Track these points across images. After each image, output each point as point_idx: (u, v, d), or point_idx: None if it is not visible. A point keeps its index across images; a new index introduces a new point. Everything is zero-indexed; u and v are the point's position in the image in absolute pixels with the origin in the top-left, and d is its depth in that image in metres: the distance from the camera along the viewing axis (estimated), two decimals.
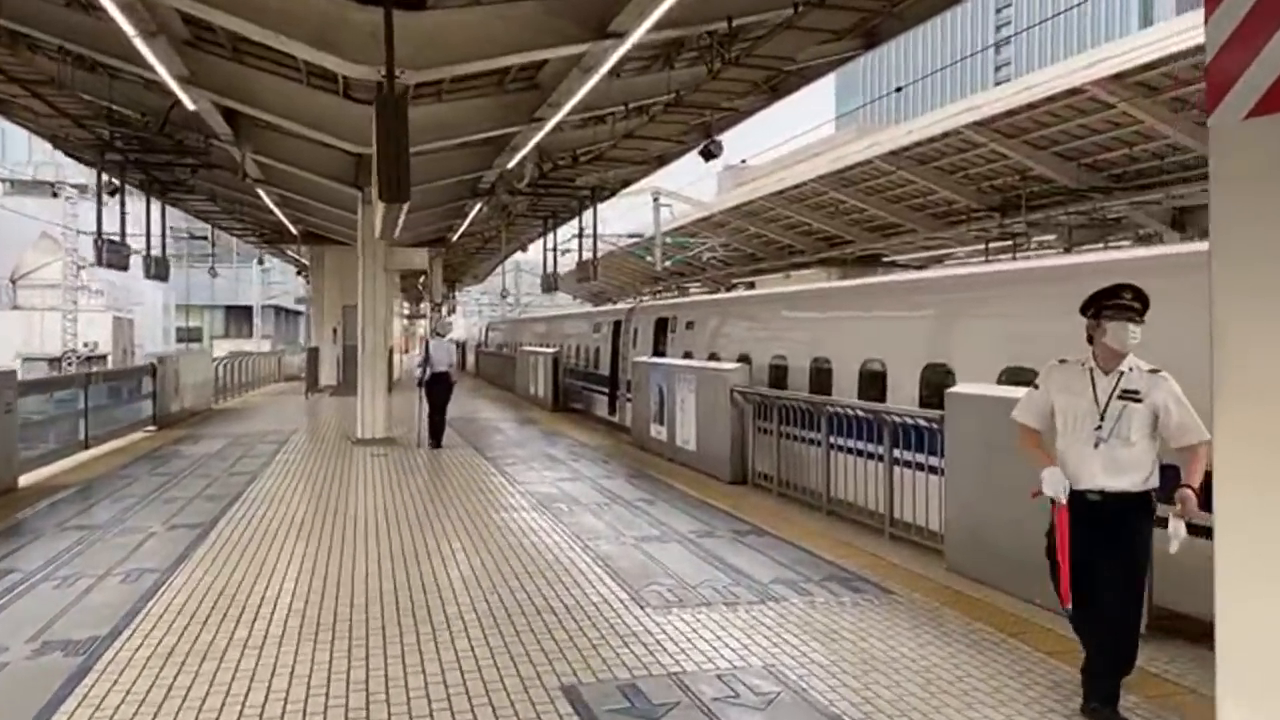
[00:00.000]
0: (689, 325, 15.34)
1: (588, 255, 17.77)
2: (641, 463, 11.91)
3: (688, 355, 15.06)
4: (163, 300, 53.45)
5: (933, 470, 7.17)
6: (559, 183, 16.12)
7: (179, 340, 59.41)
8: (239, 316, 66.78)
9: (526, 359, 23.23)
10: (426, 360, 14.24)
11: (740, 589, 6.03)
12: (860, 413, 8.26)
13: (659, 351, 16.43)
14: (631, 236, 29.83)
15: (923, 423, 7.29)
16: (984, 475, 6.27)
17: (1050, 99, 16.47)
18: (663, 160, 18.91)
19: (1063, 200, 20.14)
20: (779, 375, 11.85)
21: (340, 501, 9.09)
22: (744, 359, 12.81)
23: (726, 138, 14.64)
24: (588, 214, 18.40)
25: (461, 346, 51.28)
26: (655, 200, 29.17)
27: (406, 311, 68.51)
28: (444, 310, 56.70)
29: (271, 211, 19.56)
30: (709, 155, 12.04)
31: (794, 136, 24.02)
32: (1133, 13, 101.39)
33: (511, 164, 12.97)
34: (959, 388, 6.74)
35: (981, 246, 24.32)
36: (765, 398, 9.82)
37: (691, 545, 7.25)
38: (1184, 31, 13.82)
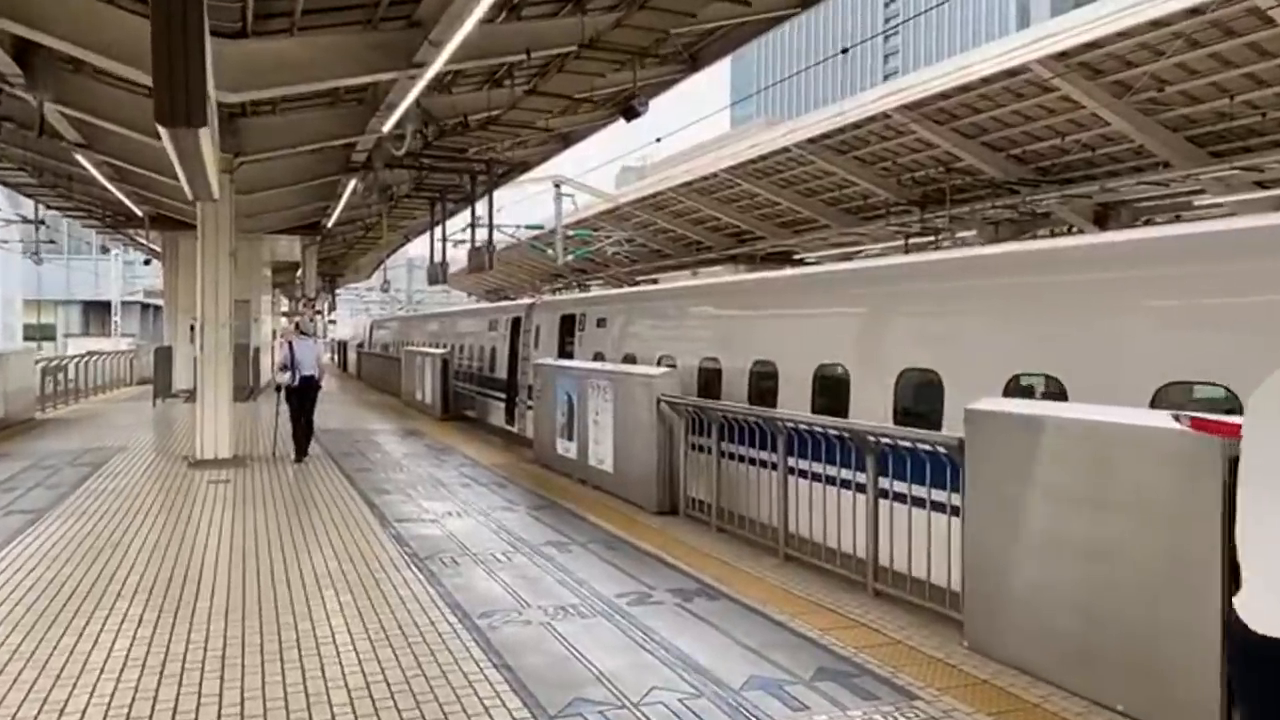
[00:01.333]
0: (600, 323, 13.42)
1: (482, 243, 15.61)
2: (547, 487, 9.91)
3: (598, 357, 13.14)
4: (4, 294, 48.06)
5: (937, 507, 5.47)
6: (447, 154, 13.93)
7: (26, 339, 53.78)
8: (100, 312, 61.27)
9: (413, 361, 20.82)
10: (291, 362, 11.91)
11: (704, 701, 4.14)
12: (832, 431, 6.50)
13: (565, 353, 14.45)
14: (531, 228, 27.68)
15: (924, 448, 5.56)
16: (1023, 523, 4.58)
17: (986, 80, 15.27)
18: (568, 140, 16.93)
19: (988, 194, 19.12)
20: (709, 381, 10.06)
21: (144, 557, 6.76)
22: (665, 362, 10.96)
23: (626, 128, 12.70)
24: (481, 197, 16.26)
25: (343, 346, 47.89)
26: (557, 188, 27.09)
27: (285, 309, 64.31)
28: (320, 306, 53.11)
29: (106, 188, 16.62)
30: (631, 114, 10.12)
31: (689, 125, 22.34)
32: (1010, 15, 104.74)
33: (387, 126, 10.75)
34: (986, 403, 5.02)
35: (898, 243, 23.25)
36: (702, 410, 7.96)
37: (623, 620, 5.30)
38: (1131, 7, 12.75)
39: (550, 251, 27.33)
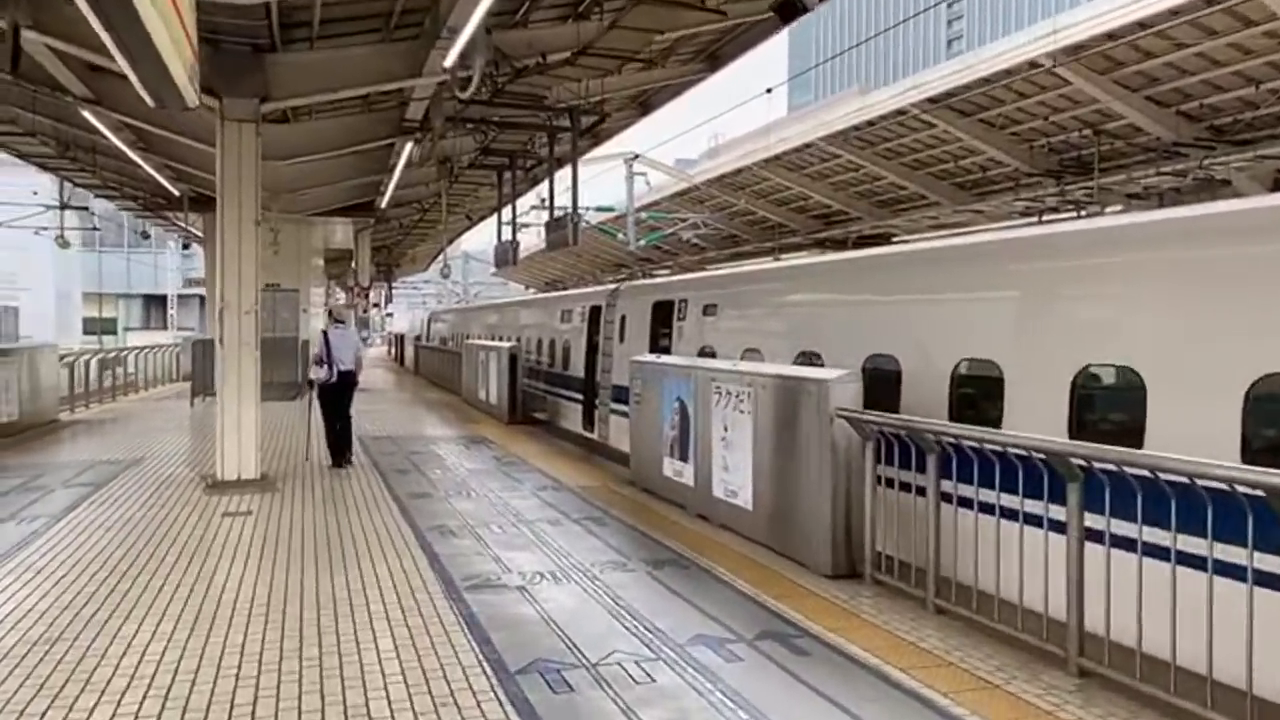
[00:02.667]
0: (709, 310, 10.95)
1: (563, 212, 13.19)
2: (658, 525, 7.49)
3: (705, 353, 10.70)
4: (62, 287, 47.34)
5: None
6: (520, 100, 11.53)
7: (87, 333, 53.22)
8: (160, 306, 60.70)
9: (475, 356, 18.59)
10: (328, 355, 10.51)
11: None
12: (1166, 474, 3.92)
13: (659, 347, 12.04)
14: (601, 210, 25.32)
15: None
16: None
17: (1174, 12, 12.40)
18: (647, 107, 14.51)
19: (1145, 159, 16.19)
20: (874, 388, 7.52)
21: (111, 645, 4.50)
22: (808, 358, 8.44)
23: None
24: (560, 168, 13.89)
25: (399, 340, 46.06)
26: (629, 164, 24.67)
27: (341, 301, 63.03)
28: (375, 298, 51.45)
29: (133, 160, 14.64)
30: (791, 11, 7.59)
31: (742, 103, 19.17)
32: None
33: (450, 59, 8.40)
34: None
35: (1024, 220, 20.32)
36: (914, 431, 5.41)
37: None
38: None
39: (621, 236, 24.97)
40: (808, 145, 21.73)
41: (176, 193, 18.03)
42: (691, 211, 27.47)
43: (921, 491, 5.27)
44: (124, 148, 13.26)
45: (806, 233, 27.25)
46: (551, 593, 5.54)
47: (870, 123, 19.02)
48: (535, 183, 22.18)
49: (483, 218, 28.74)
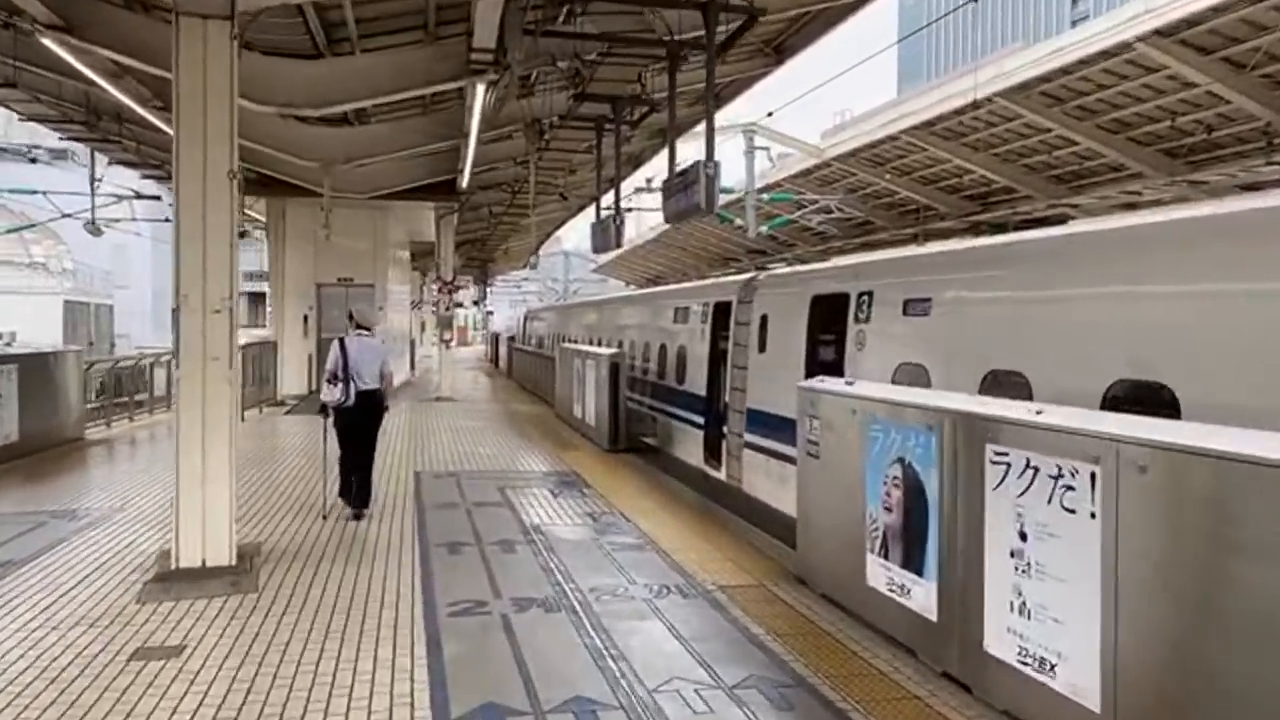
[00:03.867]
0: (915, 307, 7.28)
1: (689, 165, 9.73)
2: (891, 706, 4.00)
3: (906, 375, 7.13)
4: (160, 285, 46.68)
5: None
6: (619, 37, 8.27)
7: None
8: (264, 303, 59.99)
9: (569, 363, 15.36)
10: (344, 370, 7.98)
11: None
12: None
13: (821, 364, 8.50)
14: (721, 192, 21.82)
15: None
16: None
17: None
18: (781, 52, 11.05)
19: None
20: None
21: None
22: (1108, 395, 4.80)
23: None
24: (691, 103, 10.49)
25: (496, 340, 43.11)
26: (749, 136, 21.09)
27: (435, 298, 61.03)
28: (465, 296, 48.65)
29: (152, 123, 11.97)
30: None
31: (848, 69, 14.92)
32: None
33: None
34: None
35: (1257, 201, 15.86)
36: None
37: None
38: None
39: (739, 222, 21.44)
40: (976, 105, 17.75)
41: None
42: (819, 193, 23.67)
43: None
44: (135, 106, 10.51)
45: (959, 215, 23.15)
46: None
47: (1065, 69, 15.00)
48: (638, 163, 18.80)
49: (581, 206, 25.65)
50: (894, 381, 7.25)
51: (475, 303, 61.35)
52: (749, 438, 9.91)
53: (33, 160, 33.72)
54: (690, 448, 12.14)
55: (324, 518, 7.87)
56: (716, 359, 11.53)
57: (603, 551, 6.81)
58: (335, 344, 8.23)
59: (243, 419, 15.39)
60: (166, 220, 27.30)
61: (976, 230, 21.74)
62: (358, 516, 7.91)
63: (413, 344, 29.34)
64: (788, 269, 10.83)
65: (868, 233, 27.39)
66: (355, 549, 6.83)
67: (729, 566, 6.40)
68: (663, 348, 14.11)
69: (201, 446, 5.83)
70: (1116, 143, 16.88)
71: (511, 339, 35.49)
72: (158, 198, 24.21)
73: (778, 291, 9.96)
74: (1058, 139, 17.49)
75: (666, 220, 9.53)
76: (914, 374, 7.11)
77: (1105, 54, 13.96)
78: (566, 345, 16.99)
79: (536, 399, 20.64)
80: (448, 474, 10.13)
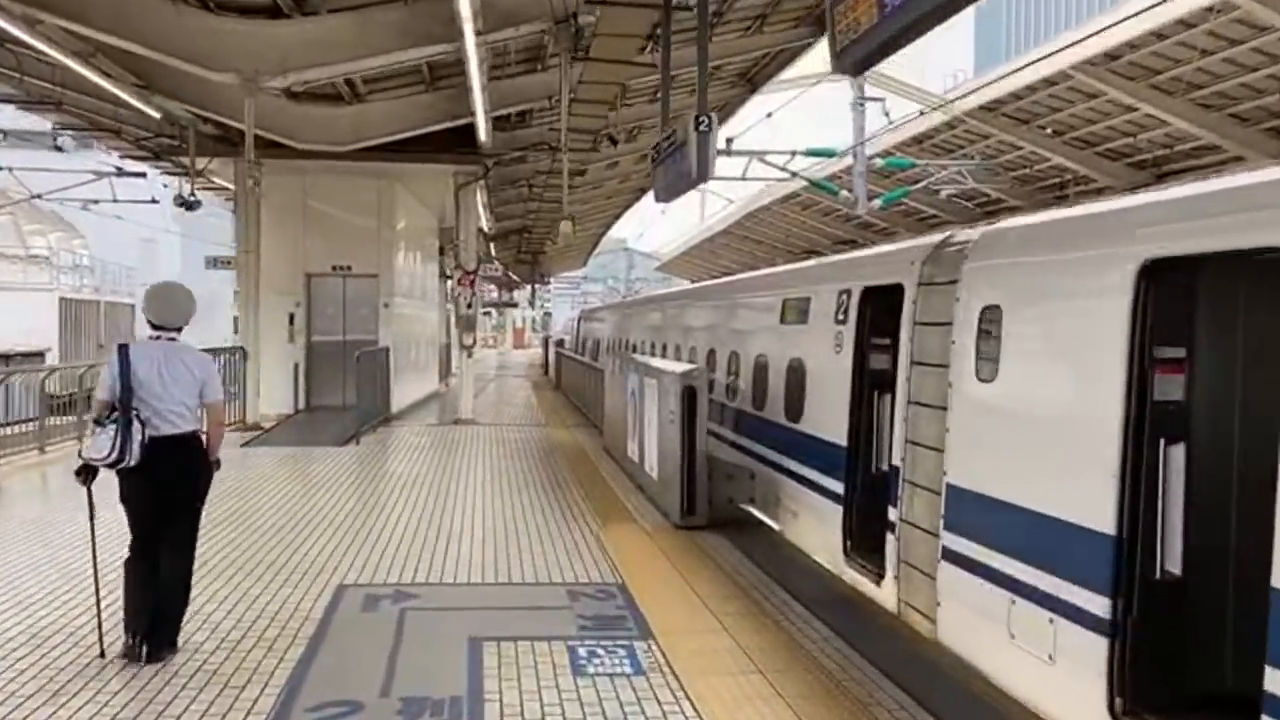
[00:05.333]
0: None
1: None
2: None
3: None
4: (189, 283, 43.57)
5: None
6: None
7: (237, 332, 49.53)
8: None
9: (623, 382, 10.66)
10: (121, 399, 4.34)
11: None
12: None
13: (1165, 408, 3.74)
14: (815, 154, 16.74)
15: None
16: None
17: None
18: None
19: None
20: None
21: None
22: None
23: None
24: None
25: (546, 344, 38.05)
26: (859, 86, 16.23)
27: (492, 294, 57.04)
28: (510, 296, 44.15)
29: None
30: None
31: None
32: None
33: None
34: None
35: None
36: None
37: None
38: None
39: (846, 194, 16.61)
40: (1189, 23, 12.77)
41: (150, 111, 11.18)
42: (944, 159, 18.65)
43: None
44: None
45: (1123, 183, 17.93)
46: None
47: None
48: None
49: (638, 192, 21.04)
50: None
51: (530, 302, 57.33)
52: (954, 542, 5.16)
53: (58, 148, 30.36)
54: (816, 530, 7.40)
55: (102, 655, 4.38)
56: (868, 385, 6.77)
57: None
58: (114, 355, 4.54)
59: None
60: (153, 201, 23.63)
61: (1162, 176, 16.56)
62: (152, 658, 4.37)
63: (446, 349, 25.03)
64: (1035, 217, 5.94)
65: (988, 210, 22.30)
66: None
67: None
68: (758, 363, 9.35)
69: None
70: None
71: (560, 343, 30.96)
72: (143, 175, 20.44)
73: (1034, 258, 5.10)
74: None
75: (658, 199, 6.28)
76: None
77: None
78: (623, 356, 12.25)
79: (586, 420, 16.11)
80: (392, 594, 5.65)
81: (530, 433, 14.57)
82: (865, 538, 6.71)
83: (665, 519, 7.96)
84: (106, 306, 32.64)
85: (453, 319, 22.11)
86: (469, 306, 15.32)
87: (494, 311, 61.42)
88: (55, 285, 28.10)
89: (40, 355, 25.44)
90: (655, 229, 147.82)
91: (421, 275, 19.31)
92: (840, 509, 6.88)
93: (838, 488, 6.97)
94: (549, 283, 58.77)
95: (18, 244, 28.43)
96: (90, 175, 21.06)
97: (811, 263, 9.70)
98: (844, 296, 7.14)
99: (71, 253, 32.54)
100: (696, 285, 17.47)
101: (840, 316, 7.16)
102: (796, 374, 8.10)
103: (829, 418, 7.30)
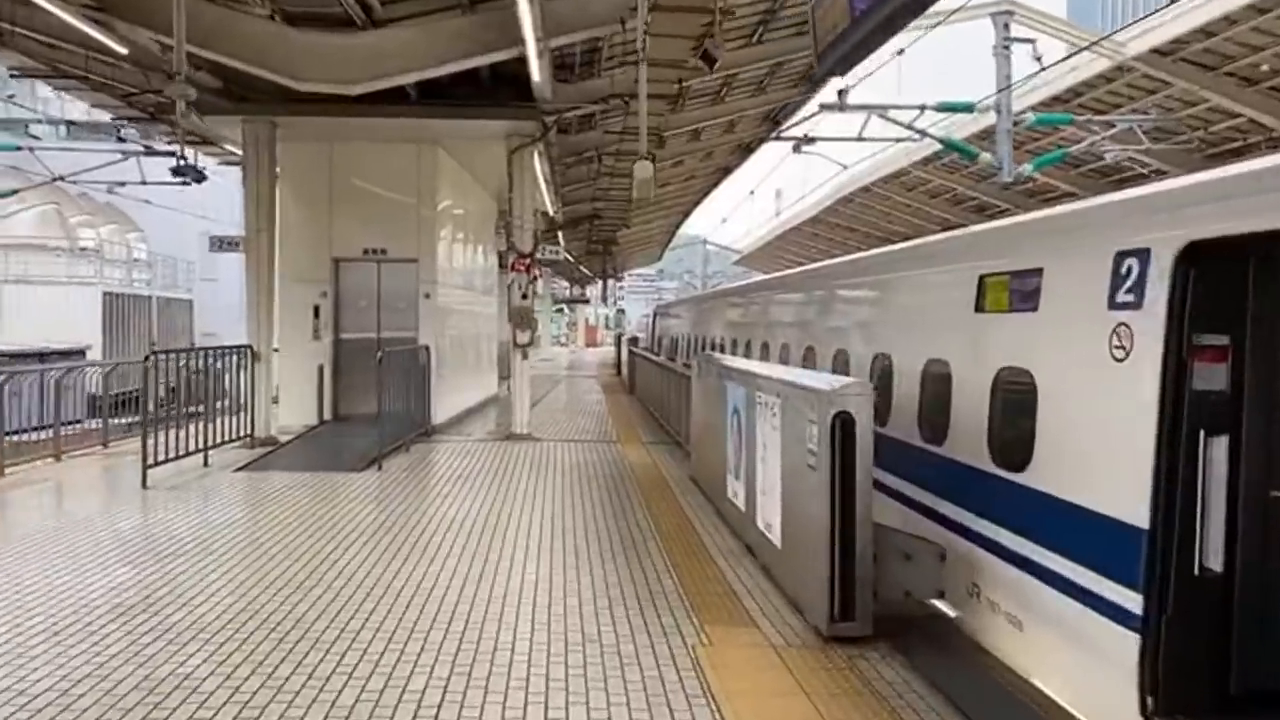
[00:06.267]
0: None
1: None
2: None
3: None
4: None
5: None
6: None
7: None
8: None
9: (718, 398, 7.73)
10: None
11: None
12: None
13: None
14: (948, 109, 13.55)
15: None
16: None
17: None
18: None
19: None
20: None
21: None
22: None
23: None
24: None
25: (618, 343, 34.78)
26: (1002, 23, 13.00)
27: (562, 289, 54.62)
28: (583, 292, 40.90)
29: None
30: None
31: None
32: None
33: None
34: None
35: None
36: None
37: None
38: None
39: (988, 157, 13.36)
40: None
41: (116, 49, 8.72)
42: (1109, 115, 15.21)
43: None
44: None
45: None
46: None
47: None
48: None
49: (738, 154, 18.11)
50: None
51: (602, 298, 54.80)
52: None
53: (121, 139, 28.87)
54: (1072, 662, 4.37)
55: None
56: (1187, 420, 3.75)
57: None
58: None
59: (143, 483, 8.74)
60: (184, 183, 21.64)
61: None
62: None
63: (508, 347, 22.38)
64: None
65: (1128, 180, 18.67)
66: None
67: None
68: (937, 372, 6.26)
69: None
70: None
71: (633, 341, 28.05)
72: (171, 153, 18.41)
73: None
74: None
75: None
76: None
77: None
78: (710, 363, 9.09)
79: (665, 434, 13.28)
80: None
81: (598, 451, 11.80)
82: (1185, 683, 3.70)
83: (801, 619, 5.07)
84: (160, 302, 31.13)
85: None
86: (524, 296, 12.60)
87: (565, 308, 59.01)
88: (99, 279, 26.49)
89: (80, 353, 23.72)
90: (731, 225, 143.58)
91: (474, 261, 16.71)
92: (1135, 637, 3.84)
93: (1124, 598, 3.94)
94: (622, 278, 56.17)
95: (62, 236, 26.93)
96: (118, 155, 19.10)
97: (1042, 213, 6.39)
98: (1131, 263, 4.10)
99: (125, 245, 31.07)
100: (814, 265, 14.26)
101: (1125, 296, 4.12)
102: (1016, 393, 5.05)
103: (1097, 472, 4.27)
